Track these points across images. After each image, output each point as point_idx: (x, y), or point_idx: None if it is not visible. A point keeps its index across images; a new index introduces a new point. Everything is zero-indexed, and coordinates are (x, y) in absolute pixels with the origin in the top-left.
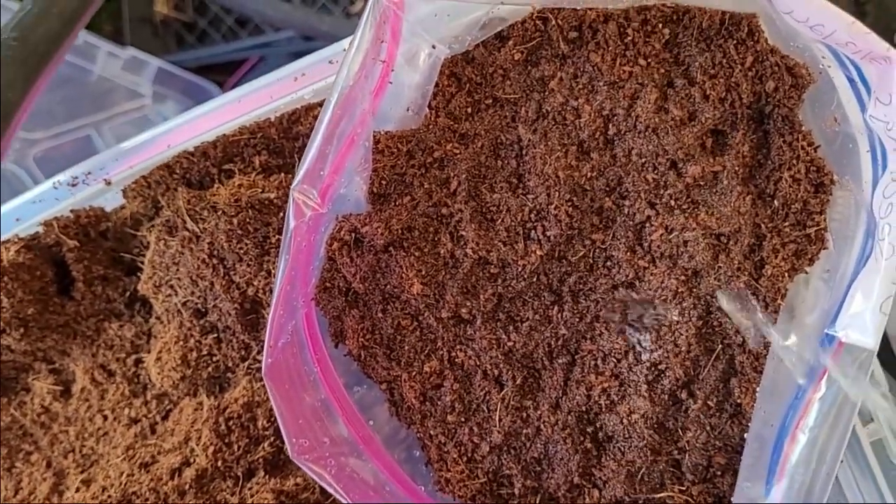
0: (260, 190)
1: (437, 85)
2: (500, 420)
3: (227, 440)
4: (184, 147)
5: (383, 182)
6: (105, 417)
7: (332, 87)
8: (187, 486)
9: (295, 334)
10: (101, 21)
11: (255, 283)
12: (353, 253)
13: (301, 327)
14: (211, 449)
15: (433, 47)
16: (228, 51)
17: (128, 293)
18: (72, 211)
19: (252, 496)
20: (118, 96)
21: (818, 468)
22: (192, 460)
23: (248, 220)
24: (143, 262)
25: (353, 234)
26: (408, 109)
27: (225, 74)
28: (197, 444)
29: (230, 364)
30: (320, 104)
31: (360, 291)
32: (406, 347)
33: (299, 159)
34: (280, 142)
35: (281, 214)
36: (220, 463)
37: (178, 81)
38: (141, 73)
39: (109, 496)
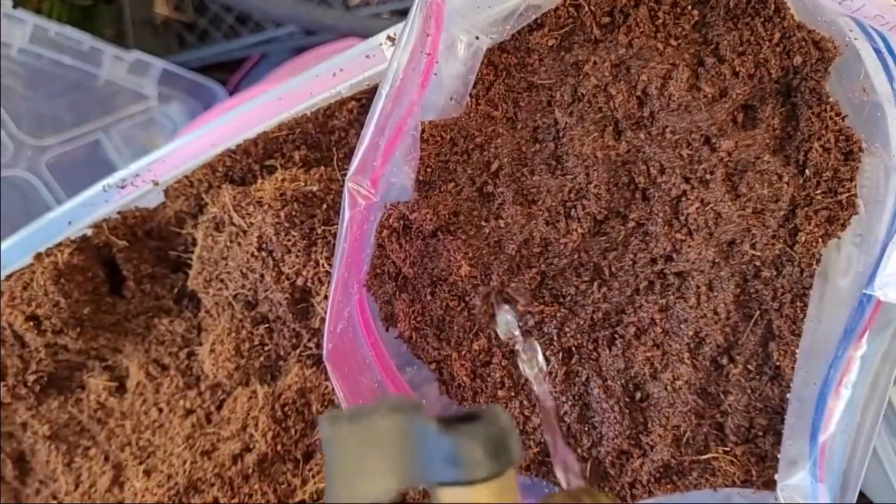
0: (302, 183)
1: (476, 73)
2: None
3: (284, 425)
4: (226, 146)
5: (429, 169)
6: (160, 410)
7: (383, 80)
8: (250, 471)
9: (350, 319)
10: (102, 24)
11: (304, 273)
12: (402, 239)
13: (355, 312)
14: (270, 434)
15: (476, 38)
16: (230, 49)
17: (175, 289)
18: (119, 212)
19: (314, 476)
20: (124, 99)
21: (863, 420)
22: (252, 446)
23: (293, 212)
24: (188, 259)
25: (401, 221)
26: (451, 99)
27: (227, 73)
28: (255, 431)
29: (282, 352)
30: (354, 98)
31: (410, 276)
32: (455, 328)
33: (336, 152)
34: (317, 136)
35: (324, 206)
36: (279, 447)
37: (182, 82)
38: (146, 75)
39: (176, 483)
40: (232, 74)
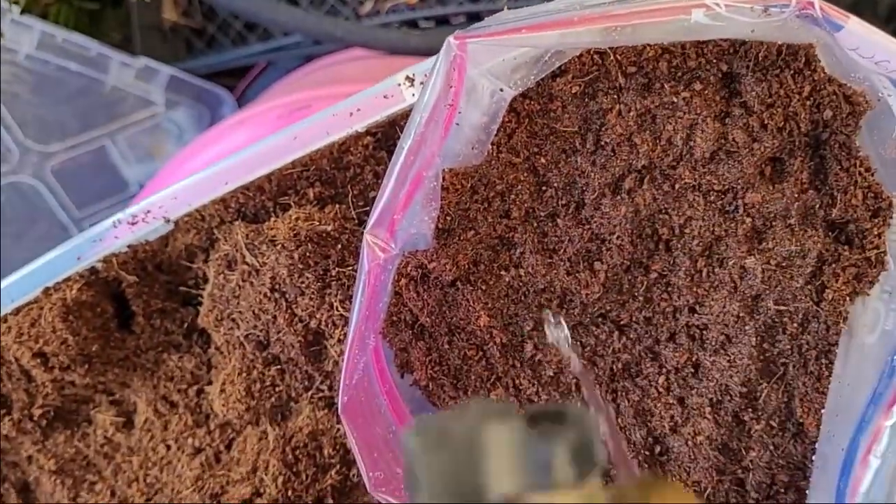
0: (317, 223)
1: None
2: None
3: (294, 469)
4: (240, 183)
5: (448, 218)
6: (168, 447)
7: (404, 134)
8: None
9: (365, 369)
10: (109, 28)
11: (318, 315)
12: (419, 288)
13: (371, 361)
14: (280, 479)
15: (500, 90)
16: (238, 56)
17: (185, 325)
18: (129, 247)
19: None
20: (131, 105)
21: (891, 491)
22: (262, 490)
23: (307, 253)
24: (199, 294)
25: (419, 270)
26: (472, 147)
27: (235, 79)
28: (266, 474)
29: (293, 394)
30: (368, 132)
31: (427, 325)
32: (472, 377)
33: (351, 189)
34: (332, 172)
35: (339, 246)
36: (290, 492)
37: (189, 88)
38: (153, 81)
39: None
40: (239, 81)
